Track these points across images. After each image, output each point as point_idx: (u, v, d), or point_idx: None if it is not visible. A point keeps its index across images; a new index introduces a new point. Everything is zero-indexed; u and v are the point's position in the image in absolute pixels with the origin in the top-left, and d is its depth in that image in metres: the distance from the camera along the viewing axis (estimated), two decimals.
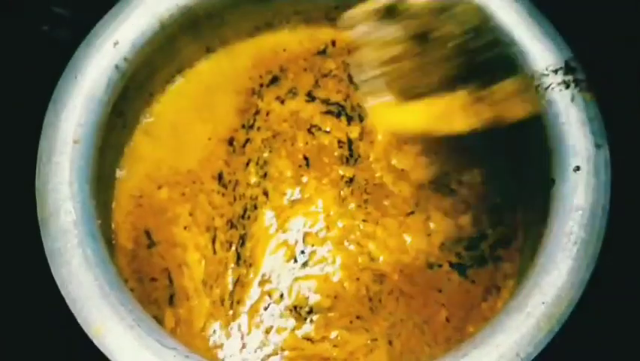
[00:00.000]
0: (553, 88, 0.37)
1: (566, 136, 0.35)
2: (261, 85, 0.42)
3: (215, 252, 0.37)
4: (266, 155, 0.40)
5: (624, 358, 0.37)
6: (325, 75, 0.42)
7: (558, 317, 0.31)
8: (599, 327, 0.36)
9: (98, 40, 0.37)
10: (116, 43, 0.37)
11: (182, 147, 0.40)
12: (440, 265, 0.37)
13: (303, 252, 0.37)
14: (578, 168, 0.35)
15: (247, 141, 0.40)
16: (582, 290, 0.32)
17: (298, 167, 0.40)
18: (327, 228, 0.38)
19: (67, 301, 0.31)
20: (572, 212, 0.33)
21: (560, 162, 0.35)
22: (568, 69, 0.37)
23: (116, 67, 0.37)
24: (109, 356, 0.30)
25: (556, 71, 0.37)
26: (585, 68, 0.37)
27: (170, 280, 0.36)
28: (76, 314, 0.31)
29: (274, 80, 0.42)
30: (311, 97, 0.42)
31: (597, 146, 0.35)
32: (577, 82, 0.37)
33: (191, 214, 0.38)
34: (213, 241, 0.37)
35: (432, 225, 0.38)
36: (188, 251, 0.37)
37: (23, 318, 0.37)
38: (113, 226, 0.38)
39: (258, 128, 0.40)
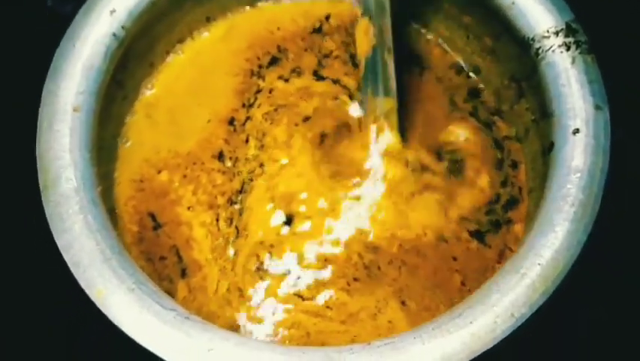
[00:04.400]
0: (553, 50, 0.36)
1: (565, 98, 0.35)
2: (260, 66, 0.41)
3: (219, 228, 0.37)
4: (265, 126, 0.40)
5: (620, 321, 0.37)
6: (326, 56, 0.42)
7: (554, 278, 0.31)
8: (596, 289, 0.36)
9: (95, 8, 0.37)
10: (112, 12, 0.37)
11: (180, 131, 0.40)
12: (458, 238, 0.37)
13: (290, 218, 0.37)
14: (577, 131, 0.34)
15: (247, 118, 0.40)
16: (579, 252, 0.32)
17: (294, 125, 0.39)
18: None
19: (70, 265, 0.31)
20: (570, 174, 0.33)
21: (560, 125, 0.35)
22: (569, 31, 0.36)
23: (114, 35, 0.37)
24: (110, 318, 0.30)
25: (557, 33, 0.36)
26: (587, 31, 0.36)
27: (179, 257, 0.37)
28: (78, 278, 0.31)
29: (274, 60, 0.42)
30: (319, 76, 0.41)
31: (597, 108, 0.34)
32: (578, 44, 0.36)
33: (194, 194, 0.38)
34: (217, 219, 0.37)
35: (458, 200, 0.38)
36: (194, 228, 0.37)
37: (26, 285, 0.38)
38: (115, 195, 0.38)
39: (259, 105, 0.40)
